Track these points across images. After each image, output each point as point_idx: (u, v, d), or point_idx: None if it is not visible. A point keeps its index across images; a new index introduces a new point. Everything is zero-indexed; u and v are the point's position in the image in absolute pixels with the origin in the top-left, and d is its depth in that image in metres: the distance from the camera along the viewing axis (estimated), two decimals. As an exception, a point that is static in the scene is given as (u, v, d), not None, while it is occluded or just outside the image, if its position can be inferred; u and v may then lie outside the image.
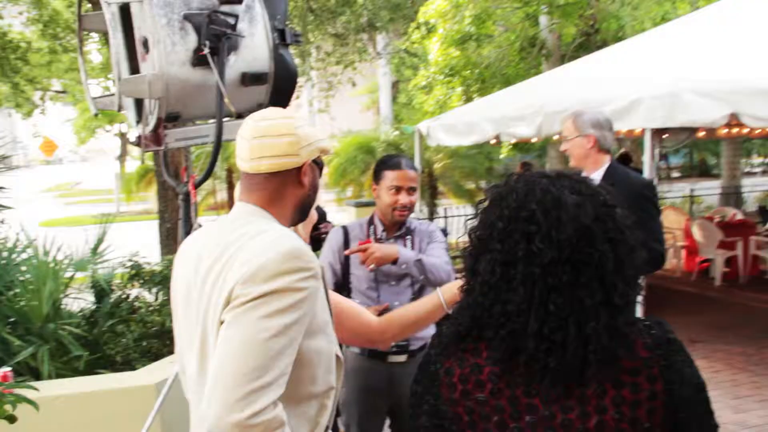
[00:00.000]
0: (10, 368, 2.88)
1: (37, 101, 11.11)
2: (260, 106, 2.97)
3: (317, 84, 11.54)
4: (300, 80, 12.04)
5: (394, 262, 2.53)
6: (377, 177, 2.75)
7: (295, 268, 1.33)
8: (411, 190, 2.71)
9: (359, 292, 2.73)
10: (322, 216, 3.80)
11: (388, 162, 2.75)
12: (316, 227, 3.70)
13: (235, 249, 1.39)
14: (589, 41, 10.90)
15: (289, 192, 1.53)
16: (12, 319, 3.87)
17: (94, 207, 19.21)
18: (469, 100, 11.06)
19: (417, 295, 2.67)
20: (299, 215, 1.59)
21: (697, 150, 25.27)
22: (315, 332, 1.39)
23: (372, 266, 2.52)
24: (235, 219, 1.51)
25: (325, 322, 1.45)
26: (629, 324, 1.09)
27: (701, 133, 7.65)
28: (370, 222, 2.81)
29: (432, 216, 11.69)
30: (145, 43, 2.58)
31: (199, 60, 2.60)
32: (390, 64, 16.27)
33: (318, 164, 1.61)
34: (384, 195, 2.72)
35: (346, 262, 2.75)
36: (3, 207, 4.74)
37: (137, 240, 7.21)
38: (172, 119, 2.70)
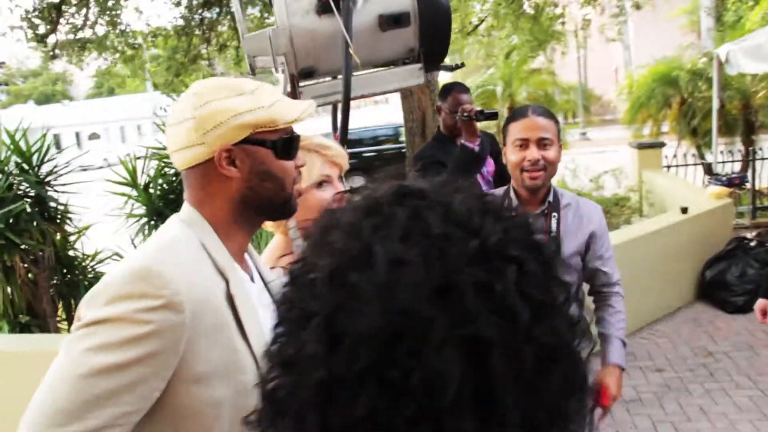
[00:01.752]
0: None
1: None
2: (411, 52, 2.59)
3: (607, 9, 10.32)
4: (587, 9, 10.96)
5: None
6: (504, 138, 2.17)
7: (137, 293, 1.00)
8: (544, 143, 2.08)
9: None
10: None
11: (512, 114, 2.17)
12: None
13: None
14: None
15: (216, 188, 1.17)
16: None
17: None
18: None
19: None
20: (249, 213, 1.21)
21: None
22: (205, 378, 1.05)
23: None
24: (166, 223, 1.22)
25: (226, 365, 1.08)
26: None
27: None
28: (506, 194, 2.23)
29: (749, 158, 9.77)
30: (270, -4, 2.37)
31: (323, 7, 2.31)
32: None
33: (261, 143, 1.17)
34: (510, 154, 2.15)
35: None
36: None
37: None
38: (306, 75, 2.48)
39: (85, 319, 1.01)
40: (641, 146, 7.94)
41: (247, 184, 1.18)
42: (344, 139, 2.47)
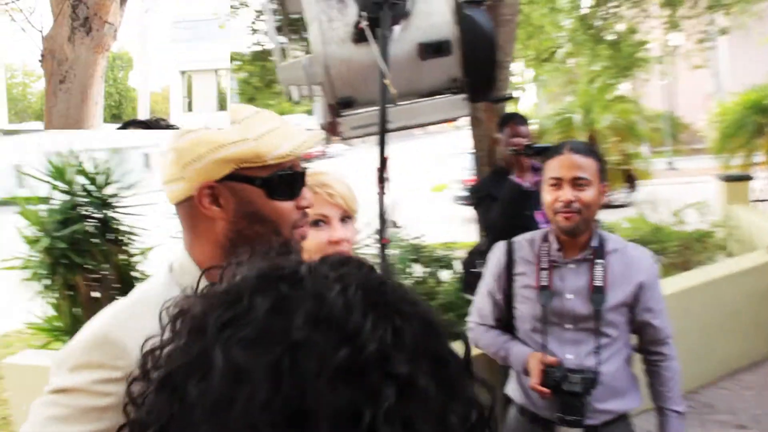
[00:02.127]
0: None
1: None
2: (454, 82, 2.45)
3: (692, 35, 9.82)
4: (671, 35, 10.44)
5: None
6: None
7: (94, 363, 0.92)
8: (579, 182, 1.88)
9: (523, 333, 2.03)
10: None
11: (550, 151, 2.00)
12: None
13: None
14: None
15: (202, 229, 1.05)
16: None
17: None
18: None
19: (599, 348, 1.88)
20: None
21: None
22: None
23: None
24: None
25: None
26: None
27: None
28: (545, 237, 2.03)
29: None
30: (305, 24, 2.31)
31: (359, 36, 2.22)
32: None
33: (249, 180, 1.02)
34: (545, 194, 1.96)
35: (509, 291, 2.06)
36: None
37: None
38: (344, 105, 2.38)
39: (51, 386, 0.95)
40: (728, 179, 7.44)
41: (234, 226, 1.04)
42: (382, 172, 2.36)
